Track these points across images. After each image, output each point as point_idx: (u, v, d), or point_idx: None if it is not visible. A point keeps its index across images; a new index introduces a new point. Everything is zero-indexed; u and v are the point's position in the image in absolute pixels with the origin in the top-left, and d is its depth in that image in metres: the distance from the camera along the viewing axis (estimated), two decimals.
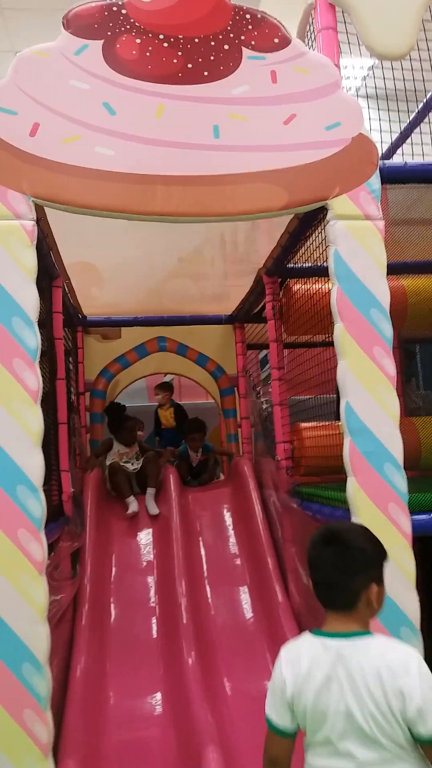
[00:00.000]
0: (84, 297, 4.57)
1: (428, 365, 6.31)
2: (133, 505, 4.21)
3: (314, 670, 1.56)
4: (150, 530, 4.30)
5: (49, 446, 3.43)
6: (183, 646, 3.28)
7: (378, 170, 2.70)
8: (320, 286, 3.46)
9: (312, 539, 1.72)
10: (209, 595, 3.92)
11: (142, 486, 4.44)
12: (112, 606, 3.77)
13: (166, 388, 5.71)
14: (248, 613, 3.80)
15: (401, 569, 2.39)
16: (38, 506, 2.33)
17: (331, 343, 2.72)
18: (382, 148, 4.23)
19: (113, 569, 4.03)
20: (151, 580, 3.98)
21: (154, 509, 4.23)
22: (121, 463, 4.48)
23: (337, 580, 1.62)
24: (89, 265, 4.18)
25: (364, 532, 1.72)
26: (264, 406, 5.10)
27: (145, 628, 3.65)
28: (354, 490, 2.47)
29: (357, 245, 2.60)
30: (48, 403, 3.53)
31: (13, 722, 2.20)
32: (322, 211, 2.74)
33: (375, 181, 2.69)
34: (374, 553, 1.65)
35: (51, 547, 3.09)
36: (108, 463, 4.56)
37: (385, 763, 1.48)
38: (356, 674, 1.52)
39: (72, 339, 4.68)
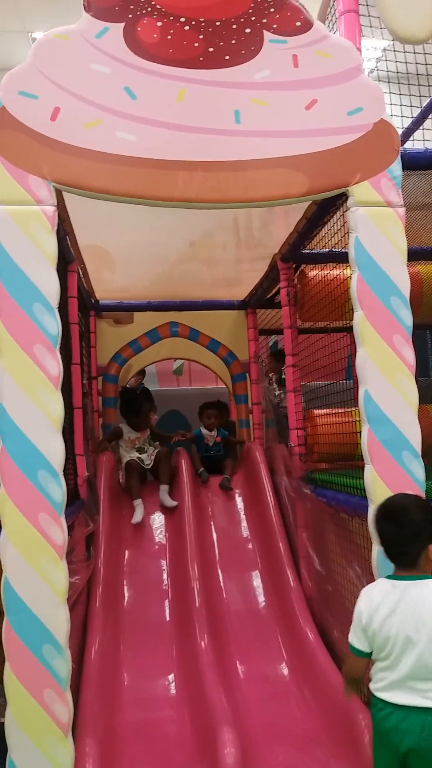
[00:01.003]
0: (96, 281, 4.56)
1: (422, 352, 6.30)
2: (137, 514, 4.13)
3: (383, 603, 2.01)
4: (162, 515, 4.33)
5: (65, 431, 3.45)
6: (196, 628, 3.33)
7: (399, 156, 2.68)
8: (336, 272, 3.44)
9: (375, 516, 2.18)
10: (221, 579, 3.96)
11: (156, 474, 4.46)
12: (126, 589, 3.82)
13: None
14: (260, 598, 3.85)
15: None
16: (59, 491, 2.35)
17: (344, 329, 2.72)
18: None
19: (126, 553, 4.07)
20: (163, 563, 4.02)
21: (170, 502, 4.23)
22: (135, 454, 4.46)
23: (399, 548, 2.07)
24: (102, 249, 4.17)
25: (416, 504, 2.10)
26: (276, 393, 5.11)
27: (158, 611, 3.70)
28: (372, 478, 2.48)
29: (378, 232, 2.59)
30: (63, 387, 3.54)
31: (34, 702, 2.24)
32: (341, 196, 2.72)
33: (396, 167, 2.67)
34: (425, 521, 2.04)
35: (68, 531, 3.12)
36: (120, 451, 4.54)
37: None
38: (417, 606, 1.97)
39: (85, 323, 4.67)
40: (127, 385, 5.39)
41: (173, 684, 3.25)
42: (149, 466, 4.46)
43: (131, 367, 5.12)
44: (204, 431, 4.82)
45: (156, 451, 4.56)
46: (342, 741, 2.68)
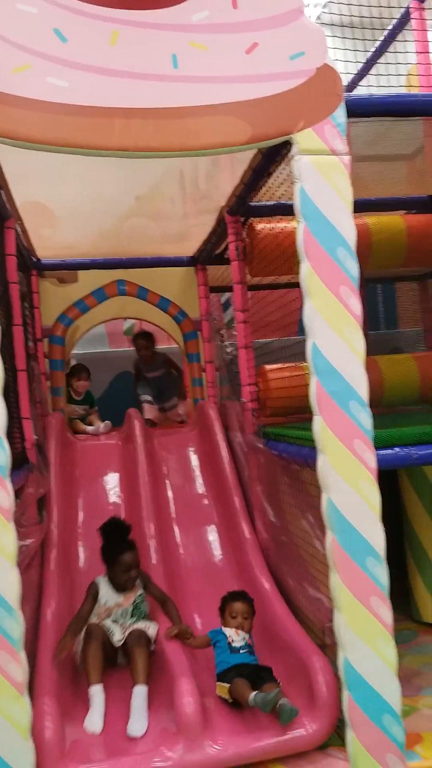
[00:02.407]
0: (37, 239, 4.40)
1: (390, 305, 6.38)
2: (93, 715, 2.70)
3: None
4: (117, 474, 4.32)
5: (9, 394, 3.36)
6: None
7: (343, 103, 2.62)
8: (285, 225, 3.41)
9: None
10: (178, 536, 4.00)
11: (129, 660, 2.97)
12: (81, 550, 3.82)
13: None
14: (217, 551, 3.91)
15: (367, 503, 2.46)
16: (3, 454, 2.30)
17: (294, 285, 2.69)
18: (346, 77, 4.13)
19: (80, 514, 4.06)
20: None
21: (139, 727, 2.63)
22: (108, 624, 3.09)
23: None
24: (41, 206, 4.01)
25: None
26: (228, 350, 5.09)
27: None
28: (320, 428, 2.50)
29: (323, 181, 2.54)
30: (5, 349, 3.44)
31: None
32: (286, 146, 2.66)
33: (340, 114, 2.61)
34: None
35: (17, 494, 3.07)
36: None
37: None
38: None
39: (27, 283, 4.53)
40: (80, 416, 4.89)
41: None
42: (119, 644, 3.05)
43: (78, 328, 5.00)
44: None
45: (134, 623, 3.12)
46: (298, 684, 2.77)
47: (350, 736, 2.43)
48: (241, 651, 2.90)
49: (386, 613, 2.45)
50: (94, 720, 2.68)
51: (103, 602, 3.16)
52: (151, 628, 3.11)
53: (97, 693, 2.79)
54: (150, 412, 5.11)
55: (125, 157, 2.51)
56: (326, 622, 2.72)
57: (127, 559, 3.19)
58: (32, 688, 2.58)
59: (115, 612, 3.15)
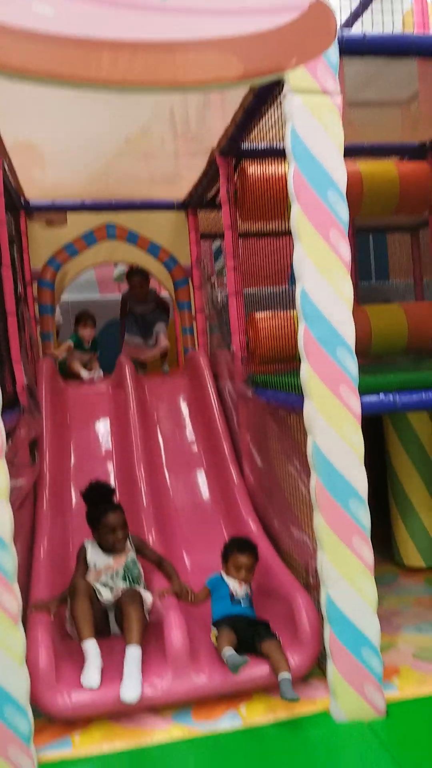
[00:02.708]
0: (25, 179, 4.31)
1: (382, 256, 6.33)
2: (90, 671, 2.61)
3: None
4: (108, 420, 4.36)
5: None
6: (144, 525, 3.44)
7: (336, 41, 2.55)
8: (277, 167, 3.35)
9: None
10: (168, 479, 4.07)
11: (120, 623, 2.87)
12: (73, 491, 3.88)
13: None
14: (205, 494, 3.99)
15: (351, 447, 2.50)
16: None
17: (286, 233, 2.66)
18: (340, 17, 3.98)
19: (72, 457, 4.12)
20: (110, 466, 4.09)
21: (132, 692, 2.53)
22: (98, 585, 2.97)
23: None
24: (30, 145, 3.91)
25: None
26: (219, 298, 5.06)
27: None
28: (307, 374, 2.52)
29: (314, 122, 2.49)
30: None
31: None
32: (278, 85, 2.60)
33: (333, 52, 2.54)
34: None
35: (8, 436, 3.11)
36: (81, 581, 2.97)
37: None
38: None
39: (15, 225, 4.45)
40: (59, 356, 4.72)
41: None
42: (109, 603, 2.96)
43: (67, 272, 4.94)
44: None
45: (128, 582, 3.02)
46: (283, 619, 2.88)
47: (330, 667, 2.55)
48: (242, 603, 2.91)
49: (367, 552, 2.53)
50: (91, 675, 2.59)
51: (92, 565, 3.04)
52: (144, 593, 2.98)
53: (91, 647, 2.67)
54: (142, 353, 5.05)
55: (113, 92, 2.44)
56: (310, 561, 2.81)
57: (111, 520, 3.03)
58: (27, 620, 2.67)
59: (105, 574, 3.01)
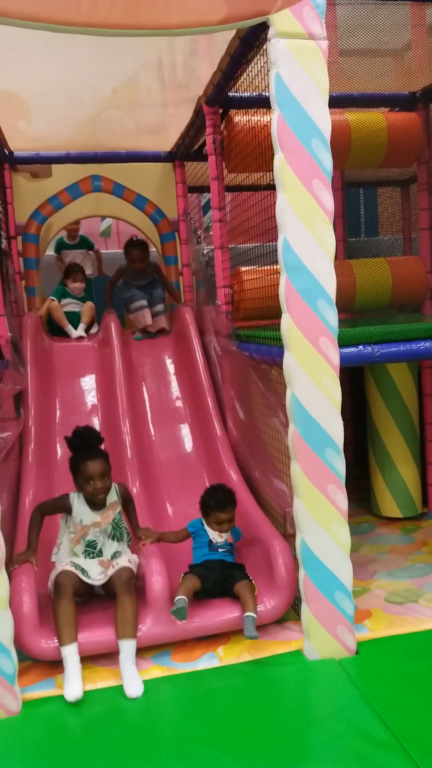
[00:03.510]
0: (9, 131, 4.22)
1: (371, 212, 6.27)
2: (71, 684, 2.44)
3: None
4: (93, 376, 4.36)
5: None
6: (128, 476, 3.49)
7: None
8: (264, 117, 3.28)
9: None
10: (152, 433, 4.11)
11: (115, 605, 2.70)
12: (58, 445, 3.92)
13: None
14: (189, 447, 4.04)
15: (329, 397, 2.54)
16: None
17: (274, 187, 2.63)
18: None
19: (57, 411, 4.14)
20: (96, 420, 4.12)
21: (137, 689, 2.47)
22: (79, 559, 2.79)
23: None
24: (13, 95, 3.82)
25: None
26: (205, 252, 5.02)
27: None
28: (288, 326, 2.53)
29: (299, 67, 2.44)
30: None
31: None
32: (264, 29, 2.54)
33: None
34: None
35: None
36: (58, 541, 2.88)
37: None
38: None
39: None
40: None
41: None
42: (99, 582, 2.79)
43: (52, 225, 4.88)
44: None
45: (115, 550, 2.85)
46: (260, 565, 2.96)
47: (304, 609, 2.64)
48: (220, 549, 2.98)
49: (342, 500, 2.59)
50: (73, 684, 2.43)
51: (78, 520, 2.81)
52: (133, 561, 2.88)
53: (70, 654, 2.51)
54: (149, 318, 4.69)
55: (93, 35, 2.37)
56: (288, 510, 2.87)
57: (90, 469, 2.76)
58: (10, 571, 2.73)
59: (93, 531, 2.81)
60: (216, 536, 3.00)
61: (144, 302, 4.69)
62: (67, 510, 2.86)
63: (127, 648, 2.59)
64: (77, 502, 2.86)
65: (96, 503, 2.85)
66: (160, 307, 4.79)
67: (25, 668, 2.64)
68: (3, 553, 2.40)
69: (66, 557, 2.83)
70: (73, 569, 2.76)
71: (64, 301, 4.81)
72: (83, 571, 2.78)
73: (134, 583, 2.77)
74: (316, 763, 2.07)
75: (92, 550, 2.83)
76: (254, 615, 2.67)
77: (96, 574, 2.80)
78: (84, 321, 4.77)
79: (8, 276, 4.23)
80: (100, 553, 2.83)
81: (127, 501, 3.04)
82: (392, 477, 4.06)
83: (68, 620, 2.58)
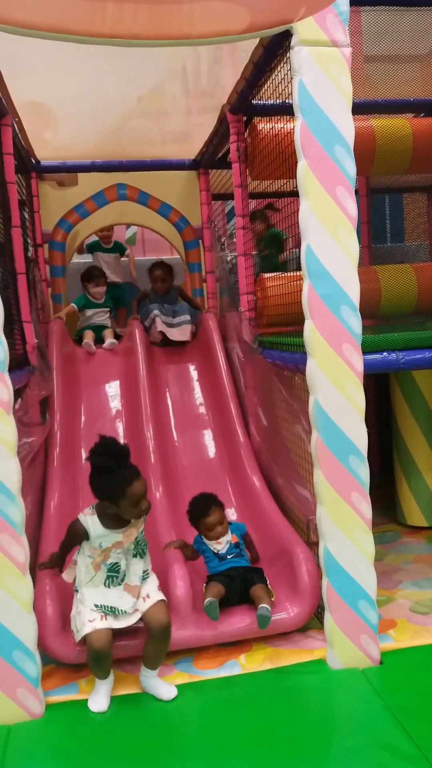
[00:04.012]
0: (36, 140, 4.30)
1: (397, 218, 6.22)
2: (98, 697, 2.50)
3: None
4: (117, 382, 4.40)
5: (9, 296, 3.40)
6: (151, 481, 3.51)
7: None
8: (288, 124, 3.29)
9: None
10: (176, 438, 4.13)
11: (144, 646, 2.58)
12: (83, 450, 3.95)
13: None
14: (212, 453, 4.05)
15: (352, 404, 2.53)
16: (1, 350, 2.35)
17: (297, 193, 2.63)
18: None
19: (82, 416, 4.18)
20: (120, 425, 4.16)
21: (171, 691, 2.52)
22: (104, 594, 2.55)
23: None
24: (41, 105, 3.89)
25: None
26: (229, 259, 5.04)
27: None
28: (311, 332, 2.53)
29: (322, 75, 2.45)
30: (4, 252, 3.45)
31: None
32: (287, 37, 2.55)
33: (342, 2, 2.48)
34: None
35: (18, 393, 3.17)
36: (78, 563, 2.62)
37: None
38: None
39: (26, 186, 4.45)
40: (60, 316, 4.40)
41: None
42: (134, 619, 2.56)
43: (78, 233, 4.94)
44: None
45: (138, 570, 2.59)
46: (283, 573, 2.95)
47: (328, 618, 2.62)
48: (229, 556, 2.93)
49: (366, 507, 2.57)
50: (99, 702, 2.47)
51: (96, 545, 2.52)
52: (152, 576, 2.69)
53: (104, 684, 2.52)
54: (160, 324, 4.55)
55: (118, 45, 2.41)
56: (312, 518, 2.86)
57: (137, 489, 2.44)
58: (35, 575, 2.76)
59: (114, 553, 2.53)
60: (215, 545, 2.97)
61: (156, 311, 4.56)
62: (85, 537, 2.55)
63: (152, 674, 2.57)
64: (92, 525, 2.52)
65: (117, 521, 2.52)
66: (184, 317, 4.67)
67: (49, 671, 2.66)
68: (27, 557, 2.43)
69: (88, 594, 2.56)
70: (103, 624, 2.49)
71: (89, 312, 4.72)
72: (113, 611, 2.53)
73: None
74: None
75: (115, 575, 2.55)
76: (268, 607, 2.69)
77: (128, 606, 2.54)
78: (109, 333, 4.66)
79: (35, 283, 4.29)
80: (124, 577, 2.56)
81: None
82: (418, 485, 4.01)
83: (102, 668, 2.50)
